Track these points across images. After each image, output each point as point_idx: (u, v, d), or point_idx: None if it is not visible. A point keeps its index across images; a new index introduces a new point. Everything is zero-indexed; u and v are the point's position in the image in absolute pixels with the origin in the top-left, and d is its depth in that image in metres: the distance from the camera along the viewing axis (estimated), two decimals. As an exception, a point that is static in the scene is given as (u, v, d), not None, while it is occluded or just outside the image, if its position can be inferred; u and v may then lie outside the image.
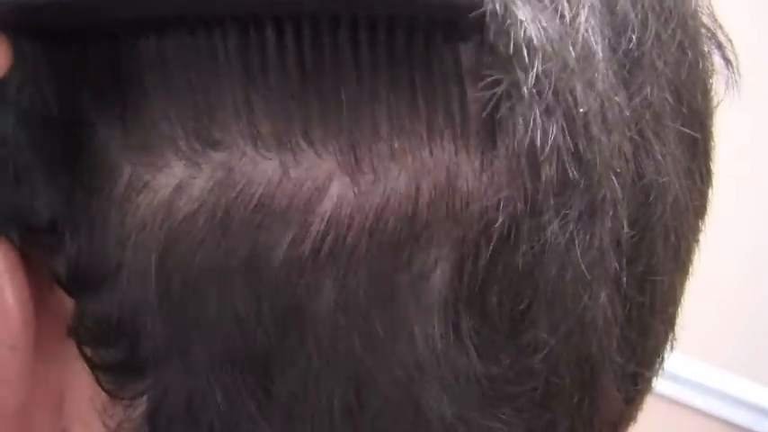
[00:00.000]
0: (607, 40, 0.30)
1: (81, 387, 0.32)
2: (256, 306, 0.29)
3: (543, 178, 0.28)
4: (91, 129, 0.30)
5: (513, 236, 0.28)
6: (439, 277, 0.28)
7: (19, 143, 0.31)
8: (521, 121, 0.28)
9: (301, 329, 0.29)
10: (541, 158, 0.28)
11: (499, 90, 0.28)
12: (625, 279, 0.31)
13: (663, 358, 0.35)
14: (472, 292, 0.29)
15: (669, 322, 0.35)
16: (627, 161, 0.30)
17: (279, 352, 0.29)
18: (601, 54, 0.29)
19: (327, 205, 0.28)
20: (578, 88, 0.28)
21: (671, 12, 0.32)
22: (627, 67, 0.30)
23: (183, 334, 0.30)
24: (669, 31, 0.32)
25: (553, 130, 0.28)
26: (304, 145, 0.28)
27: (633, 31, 0.30)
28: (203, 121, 0.29)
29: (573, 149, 0.28)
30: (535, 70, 0.28)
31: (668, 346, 0.35)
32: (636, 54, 0.31)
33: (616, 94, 0.30)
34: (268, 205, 0.28)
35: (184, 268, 0.29)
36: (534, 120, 0.28)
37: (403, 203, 0.28)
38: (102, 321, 0.31)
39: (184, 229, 0.29)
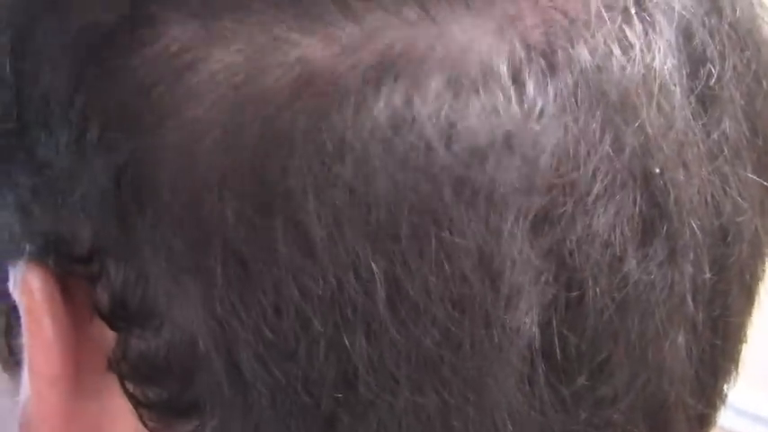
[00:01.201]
0: (684, 74, 0.29)
1: (121, 423, 0.31)
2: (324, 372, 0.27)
3: (620, 236, 0.27)
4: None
5: (593, 287, 0.27)
6: (525, 332, 0.27)
7: (63, 167, 0.30)
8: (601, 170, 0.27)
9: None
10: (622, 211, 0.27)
11: None
12: (701, 321, 0.30)
13: (726, 396, 0.34)
14: (551, 345, 0.28)
15: (736, 360, 0.34)
16: (706, 203, 0.29)
17: (345, 410, 0.28)
18: (678, 90, 0.28)
19: None
20: (657, 134, 0.28)
21: (746, 41, 0.31)
22: (705, 102, 0.29)
23: (239, 380, 0.28)
24: (745, 61, 0.31)
25: (632, 180, 0.27)
26: None
27: (713, 64, 0.29)
28: None
29: (653, 198, 0.28)
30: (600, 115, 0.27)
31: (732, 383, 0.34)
32: (714, 87, 0.30)
33: (694, 133, 0.29)
34: None
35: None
36: (613, 167, 0.27)
37: None
38: (147, 358, 0.29)
39: None
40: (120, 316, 0.30)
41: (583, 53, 0.27)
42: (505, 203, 0.26)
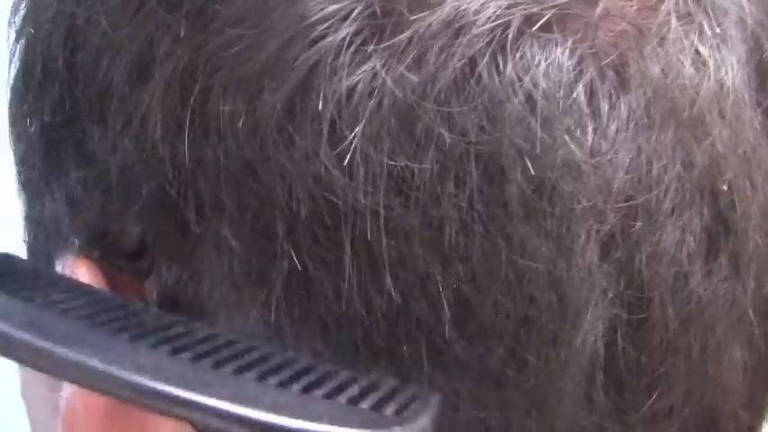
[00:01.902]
0: (753, 87, 0.29)
1: (166, 423, 0.30)
2: None
3: (687, 252, 0.27)
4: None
5: (659, 304, 0.27)
6: (589, 349, 0.27)
7: (116, 163, 0.29)
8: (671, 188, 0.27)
9: None
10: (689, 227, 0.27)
11: None
12: (758, 335, 0.30)
13: None
14: (613, 360, 0.27)
15: None
16: None
17: None
18: (747, 105, 0.28)
19: None
20: (726, 150, 0.28)
21: None
22: None
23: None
24: None
25: (700, 197, 0.27)
26: None
27: None
28: None
29: (720, 215, 0.28)
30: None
31: None
32: None
33: (761, 147, 0.29)
34: None
35: None
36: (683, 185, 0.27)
37: None
38: None
39: None
40: (171, 312, 0.29)
41: (655, 68, 0.27)
42: (577, 226, 0.26)
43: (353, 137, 0.26)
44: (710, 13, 0.28)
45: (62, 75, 0.30)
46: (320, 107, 0.26)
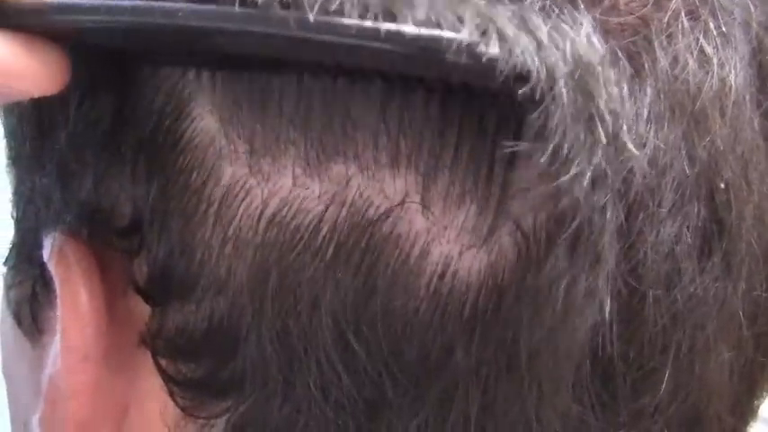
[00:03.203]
0: (754, 88, 0.29)
1: (150, 401, 0.30)
2: (373, 349, 0.27)
3: (682, 248, 0.27)
4: (191, 122, 0.28)
5: (652, 298, 0.27)
6: (581, 339, 0.27)
7: (105, 133, 0.29)
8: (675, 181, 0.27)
9: (425, 385, 0.27)
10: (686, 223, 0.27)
11: None
12: (747, 337, 0.30)
13: (757, 410, 0.34)
14: (602, 352, 0.27)
15: None
16: (764, 219, 0.29)
17: (393, 404, 0.27)
18: (748, 105, 0.28)
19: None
20: (726, 148, 0.28)
21: None
22: None
23: (283, 359, 0.27)
24: None
25: (699, 193, 0.27)
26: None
27: None
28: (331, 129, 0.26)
29: (716, 213, 0.28)
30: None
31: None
32: None
33: (759, 148, 0.29)
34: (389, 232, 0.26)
35: (289, 287, 0.27)
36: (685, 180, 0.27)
37: None
38: (185, 334, 0.29)
39: (293, 243, 0.27)
40: (159, 289, 0.29)
41: (663, 62, 0.27)
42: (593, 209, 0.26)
43: None
44: (716, 13, 0.28)
45: None
46: None
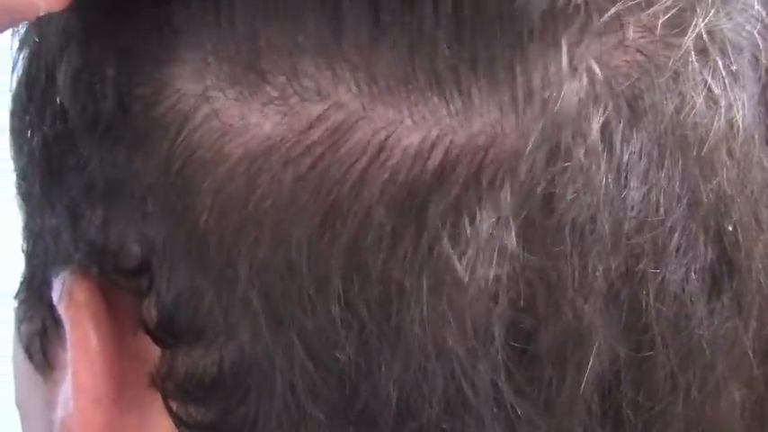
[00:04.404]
0: (766, 124, 0.29)
1: None
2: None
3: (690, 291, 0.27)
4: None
5: (660, 344, 0.27)
6: (592, 382, 0.27)
7: (115, 177, 0.29)
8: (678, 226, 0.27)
9: None
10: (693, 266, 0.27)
11: None
12: (759, 377, 0.29)
13: None
14: (612, 394, 0.27)
15: None
16: None
17: None
18: (758, 143, 0.28)
19: None
20: (734, 190, 0.27)
21: None
22: None
23: (298, 404, 0.27)
24: None
25: (705, 236, 0.27)
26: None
27: None
28: None
29: (724, 255, 0.27)
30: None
31: None
32: None
33: None
34: None
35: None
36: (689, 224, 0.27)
37: None
38: (194, 378, 0.29)
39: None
40: (168, 332, 0.29)
41: (667, 104, 0.27)
42: (587, 261, 0.26)
43: None
44: (725, 50, 0.28)
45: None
46: None
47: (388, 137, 0.26)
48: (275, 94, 0.26)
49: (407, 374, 0.26)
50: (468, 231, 0.26)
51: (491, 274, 0.26)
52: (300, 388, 0.27)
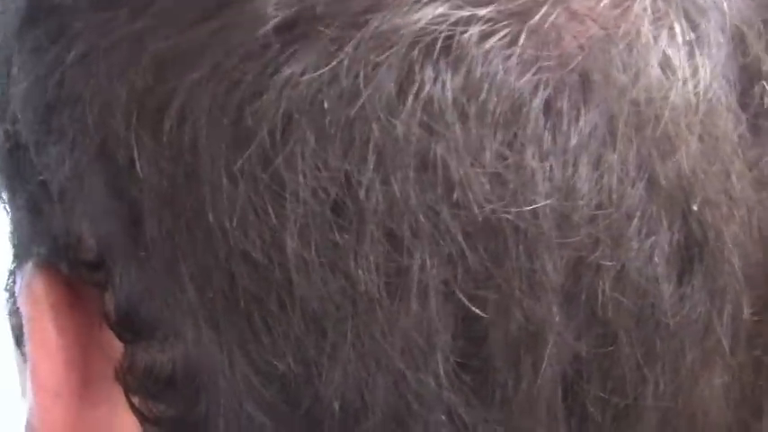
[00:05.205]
0: (736, 92, 0.26)
1: None
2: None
3: (653, 278, 0.25)
4: None
5: (624, 337, 0.26)
6: (552, 381, 0.26)
7: (65, 173, 0.28)
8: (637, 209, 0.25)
9: None
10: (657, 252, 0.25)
11: None
12: (742, 363, 0.27)
13: None
14: (576, 392, 0.26)
15: None
16: (752, 236, 0.26)
17: None
18: (726, 113, 0.26)
19: None
20: (698, 167, 0.25)
21: None
22: (758, 123, 0.27)
23: (241, 410, 0.27)
24: None
25: (669, 218, 0.25)
26: None
27: (765, 79, 0.27)
28: None
29: (691, 236, 0.25)
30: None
31: None
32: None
33: (743, 159, 0.26)
34: None
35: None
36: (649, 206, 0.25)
37: None
38: (152, 374, 0.28)
39: None
40: (125, 327, 0.28)
41: (621, 77, 0.25)
42: (538, 253, 0.25)
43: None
44: (686, 13, 0.26)
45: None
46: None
47: None
48: None
49: (348, 384, 0.25)
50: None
51: (431, 282, 0.24)
52: (244, 393, 0.26)
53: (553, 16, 0.25)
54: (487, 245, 0.24)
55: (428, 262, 0.24)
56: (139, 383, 0.29)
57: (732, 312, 0.26)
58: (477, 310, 0.25)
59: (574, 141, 0.24)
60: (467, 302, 0.25)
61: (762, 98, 0.26)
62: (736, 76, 0.26)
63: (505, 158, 0.24)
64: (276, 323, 0.25)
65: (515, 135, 0.24)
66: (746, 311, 0.27)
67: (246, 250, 0.25)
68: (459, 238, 0.24)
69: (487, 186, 0.24)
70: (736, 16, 0.26)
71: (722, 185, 0.26)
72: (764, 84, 0.26)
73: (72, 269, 0.29)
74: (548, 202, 0.24)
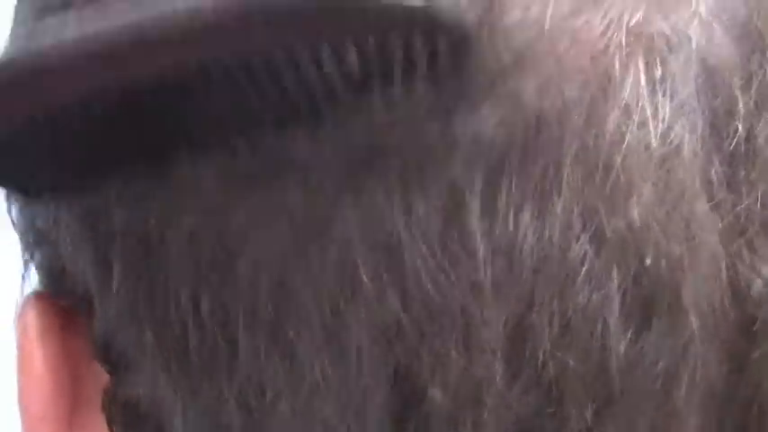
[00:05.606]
0: (707, 132, 0.24)
1: None
2: None
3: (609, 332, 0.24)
4: None
5: (571, 399, 0.24)
6: None
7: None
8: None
9: None
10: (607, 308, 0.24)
11: None
12: (719, 423, 0.26)
13: None
14: None
15: None
16: (721, 288, 0.25)
17: None
18: (692, 156, 0.24)
19: None
20: (651, 217, 0.24)
21: None
22: (733, 163, 0.25)
23: None
24: None
25: (619, 273, 0.24)
26: None
27: (741, 119, 0.25)
28: None
29: (642, 292, 0.24)
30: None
31: None
32: (744, 146, 0.25)
33: (712, 203, 0.24)
34: None
35: None
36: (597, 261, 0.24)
37: None
38: (128, 407, 0.28)
39: None
40: (103, 358, 0.29)
41: (575, 120, 0.23)
42: (477, 313, 0.24)
43: None
44: (652, 50, 0.24)
45: None
46: None
47: None
48: None
49: None
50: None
51: (364, 343, 0.24)
52: None
53: None
54: (425, 303, 0.24)
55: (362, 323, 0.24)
56: (119, 414, 0.29)
57: (701, 371, 0.25)
58: (413, 370, 0.24)
59: (518, 193, 0.23)
60: (402, 361, 0.24)
61: (735, 139, 0.24)
62: (707, 116, 0.24)
63: None
64: (224, 379, 0.26)
65: None
66: (716, 370, 0.25)
67: (199, 314, 0.25)
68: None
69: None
70: (711, 52, 0.24)
71: (682, 236, 0.24)
72: (738, 124, 0.24)
73: (63, 298, 0.30)
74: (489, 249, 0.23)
